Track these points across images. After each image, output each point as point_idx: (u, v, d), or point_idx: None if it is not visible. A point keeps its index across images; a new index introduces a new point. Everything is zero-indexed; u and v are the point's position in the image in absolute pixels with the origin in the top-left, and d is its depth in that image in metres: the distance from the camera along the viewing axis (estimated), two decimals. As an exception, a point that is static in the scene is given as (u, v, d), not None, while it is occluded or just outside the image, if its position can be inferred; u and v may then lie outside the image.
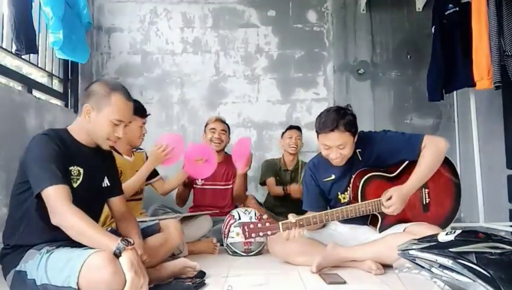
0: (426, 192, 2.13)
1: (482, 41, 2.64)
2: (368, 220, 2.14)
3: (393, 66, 3.90)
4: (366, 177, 2.07)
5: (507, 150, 3.19)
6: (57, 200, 1.46)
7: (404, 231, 1.96)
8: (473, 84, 2.78)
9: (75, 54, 3.06)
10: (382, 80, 3.90)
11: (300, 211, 2.14)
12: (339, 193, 2.17)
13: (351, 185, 2.11)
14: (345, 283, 1.76)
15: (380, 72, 3.91)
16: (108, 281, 1.36)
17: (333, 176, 2.17)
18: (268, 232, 1.90)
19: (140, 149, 2.66)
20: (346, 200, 2.14)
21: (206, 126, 3.14)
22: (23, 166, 1.57)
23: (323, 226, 2.22)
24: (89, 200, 1.66)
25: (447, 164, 2.14)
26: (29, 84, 2.91)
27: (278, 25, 3.96)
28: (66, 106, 3.51)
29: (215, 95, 3.92)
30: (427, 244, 1.35)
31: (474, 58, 2.70)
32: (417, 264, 1.32)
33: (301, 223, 1.92)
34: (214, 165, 2.73)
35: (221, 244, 2.57)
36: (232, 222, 2.49)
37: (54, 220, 1.47)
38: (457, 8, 3.03)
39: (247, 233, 1.87)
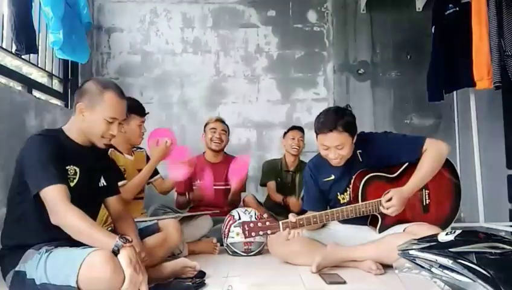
0: (426, 193, 2.13)
1: (482, 41, 2.64)
2: (368, 220, 2.14)
3: (393, 66, 3.90)
4: (366, 177, 2.06)
5: (507, 150, 3.19)
6: (56, 200, 1.47)
7: (404, 231, 1.96)
8: (473, 84, 2.78)
9: (75, 54, 3.06)
10: (382, 80, 3.90)
11: (300, 212, 2.14)
12: (339, 194, 2.17)
13: (351, 186, 2.10)
14: (345, 283, 1.76)
15: (380, 72, 3.91)
16: (108, 279, 1.36)
17: (333, 177, 2.17)
18: (269, 231, 1.90)
19: (141, 149, 2.66)
20: (345, 201, 2.14)
21: (205, 126, 3.14)
22: (20, 167, 1.58)
23: (323, 226, 2.22)
24: (86, 200, 1.65)
25: (447, 165, 2.14)
26: (29, 84, 2.91)
27: (278, 25, 3.96)
28: (66, 106, 3.51)
29: (215, 95, 3.92)
30: (427, 245, 1.35)
31: (474, 58, 2.70)
32: (417, 264, 1.32)
33: (301, 222, 1.92)
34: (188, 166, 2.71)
35: (221, 244, 2.57)
36: (232, 222, 2.49)
37: (54, 220, 1.48)
38: (457, 8, 3.02)
39: (247, 232, 1.87)
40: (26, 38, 2.59)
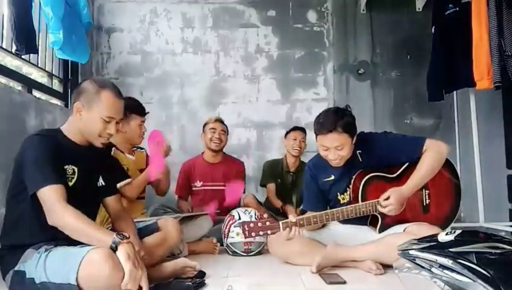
0: (426, 193, 2.13)
1: (482, 41, 2.64)
2: (368, 220, 2.14)
3: (393, 66, 3.90)
4: (366, 177, 2.06)
5: (507, 150, 3.19)
6: (52, 200, 1.48)
7: (404, 231, 1.96)
8: (473, 84, 2.78)
9: (75, 54, 3.06)
10: (382, 80, 3.90)
11: (298, 215, 2.13)
12: (339, 194, 2.17)
13: (351, 186, 2.10)
14: (345, 283, 1.76)
15: (380, 72, 3.91)
16: (108, 276, 1.36)
17: (333, 177, 2.16)
18: (269, 231, 1.90)
19: (141, 149, 2.66)
20: (345, 201, 2.14)
21: (204, 126, 3.14)
22: (18, 167, 1.58)
23: (323, 226, 2.22)
24: (84, 199, 1.66)
25: (447, 165, 2.14)
26: (29, 84, 2.91)
27: (278, 25, 3.96)
28: (66, 106, 3.50)
29: (215, 95, 3.92)
30: (427, 245, 1.35)
31: (474, 58, 2.70)
32: (417, 264, 1.32)
33: (301, 222, 1.92)
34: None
35: (221, 244, 2.57)
36: (232, 222, 2.49)
37: (50, 220, 1.48)
38: (457, 8, 3.02)
39: (247, 232, 1.87)
40: (26, 38, 2.59)
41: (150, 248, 1.85)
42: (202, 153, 3.19)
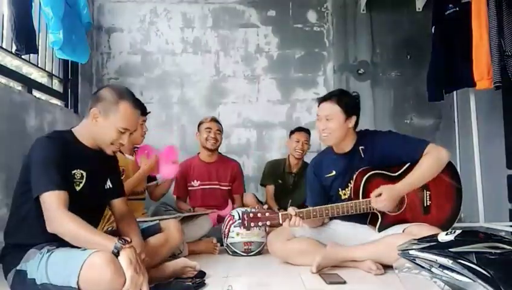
0: (428, 194, 2.13)
1: (482, 41, 2.64)
2: (368, 219, 2.14)
3: (393, 66, 3.90)
4: (368, 175, 2.07)
5: (507, 150, 3.19)
6: (52, 207, 1.47)
7: (403, 231, 1.96)
8: (473, 84, 2.77)
9: (75, 54, 3.05)
10: (382, 80, 3.90)
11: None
12: (340, 189, 2.18)
13: (353, 182, 2.11)
14: (345, 283, 1.76)
15: (380, 72, 3.91)
16: (109, 281, 1.36)
17: (334, 172, 2.18)
18: (268, 223, 1.92)
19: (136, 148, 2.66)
20: (347, 197, 2.15)
21: (200, 125, 3.15)
22: (26, 167, 1.58)
23: (323, 224, 2.23)
24: (92, 203, 1.67)
25: (450, 169, 2.14)
26: (29, 84, 2.91)
27: (278, 25, 3.96)
28: (66, 106, 3.51)
29: (215, 95, 3.92)
30: (427, 245, 1.35)
31: (474, 58, 2.69)
32: (417, 264, 1.32)
33: (301, 215, 1.94)
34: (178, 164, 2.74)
35: (221, 244, 2.57)
36: (232, 222, 2.49)
37: (50, 227, 1.48)
38: (457, 8, 3.02)
39: (246, 222, 1.89)
40: (26, 38, 2.59)
41: (152, 249, 1.85)
42: (198, 153, 3.20)
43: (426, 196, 2.13)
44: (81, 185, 1.62)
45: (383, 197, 1.94)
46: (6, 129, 2.36)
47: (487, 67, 2.60)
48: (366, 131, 2.20)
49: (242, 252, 2.45)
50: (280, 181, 3.38)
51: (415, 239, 1.45)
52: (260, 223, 1.91)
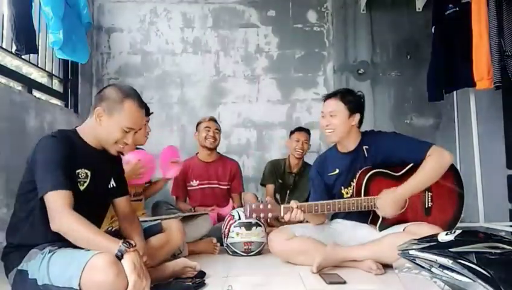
0: (429, 196, 2.13)
1: (482, 41, 2.64)
2: (369, 218, 2.14)
3: (393, 66, 3.90)
4: (370, 173, 2.08)
5: (507, 150, 3.19)
6: (56, 206, 1.46)
7: (403, 230, 1.96)
8: (473, 84, 2.77)
9: (75, 54, 3.06)
10: (382, 80, 3.90)
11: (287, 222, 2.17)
12: (343, 188, 2.19)
13: (355, 181, 2.12)
14: (345, 283, 1.76)
15: (380, 72, 3.91)
16: (111, 283, 1.35)
17: (337, 171, 2.20)
18: (270, 214, 1.94)
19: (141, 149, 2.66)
20: (349, 195, 2.16)
21: (198, 125, 3.16)
22: (30, 167, 1.57)
23: (323, 224, 2.23)
24: (95, 202, 1.66)
25: (453, 173, 2.15)
26: (29, 84, 2.91)
27: (278, 25, 3.96)
28: (66, 106, 3.51)
29: (215, 95, 3.93)
30: (427, 245, 1.35)
31: (474, 58, 2.70)
32: (417, 264, 1.32)
33: (303, 209, 1.96)
34: (181, 165, 2.77)
35: (221, 244, 2.57)
36: (232, 222, 2.49)
37: (53, 226, 1.47)
38: (457, 8, 3.02)
39: (248, 212, 1.92)
40: (26, 38, 2.59)
41: (153, 249, 1.84)
42: (196, 153, 3.20)
43: (428, 198, 2.13)
44: (86, 184, 1.62)
45: (387, 204, 1.96)
46: (6, 129, 2.36)
47: (487, 67, 2.60)
48: (371, 131, 2.24)
49: (242, 252, 2.45)
50: (280, 181, 3.39)
51: (415, 239, 1.45)
52: (262, 215, 1.94)
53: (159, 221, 2.07)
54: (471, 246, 1.26)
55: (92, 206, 1.54)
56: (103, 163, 1.71)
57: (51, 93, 3.31)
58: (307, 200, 2.32)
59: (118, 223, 1.88)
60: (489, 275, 1.15)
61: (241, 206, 3.03)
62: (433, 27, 3.21)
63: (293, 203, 1.97)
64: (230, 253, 2.50)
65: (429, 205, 2.13)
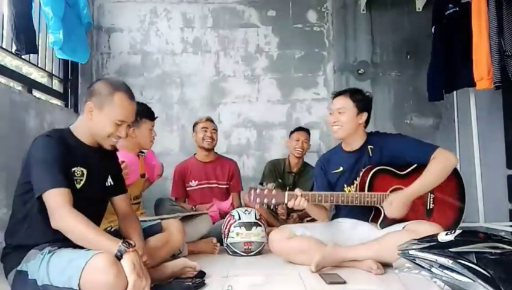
0: (431, 197, 2.14)
1: (482, 41, 2.64)
2: (370, 217, 2.14)
3: (393, 66, 3.90)
4: (375, 170, 2.09)
5: (507, 150, 3.20)
6: (57, 204, 1.46)
7: (403, 228, 1.96)
8: (473, 84, 2.78)
9: (75, 54, 3.06)
10: (382, 80, 3.90)
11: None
12: (345, 186, 2.20)
13: (359, 179, 2.13)
14: (345, 283, 1.76)
15: (380, 72, 3.91)
16: (111, 283, 1.35)
17: (341, 168, 2.22)
18: (273, 200, 1.96)
19: (142, 152, 2.66)
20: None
21: (195, 126, 3.16)
22: (26, 167, 1.57)
23: (325, 221, 2.25)
24: (93, 200, 1.66)
25: (456, 177, 2.16)
26: (29, 84, 2.91)
27: (278, 25, 3.96)
28: (66, 106, 3.51)
29: (215, 95, 3.92)
30: (427, 244, 1.35)
31: (474, 58, 2.70)
32: (417, 264, 1.32)
33: (306, 197, 1.98)
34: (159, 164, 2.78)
35: (221, 244, 2.57)
36: (232, 222, 2.49)
37: (54, 224, 1.47)
38: (457, 8, 3.02)
39: (252, 197, 1.94)
40: (26, 38, 2.59)
41: (153, 249, 1.84)
42: (194, 154, 3.21)
43: (430, 199, 2.14)
44: (82, 182, 1.61)
45: (396, 205, 1.98)
46: (6, 129, 2.36)
47: (487, 67, 2.61)
48: (377, 132, 2.27)
49: (242, 252, 2.45)
50: (280, 180, 3.39)
51: (415, 239, 1.45)
52: (266, 200, 1.96)
53: (158, 221, 2.06)
54: (471, 246, 1.26)
55: (89, 205, 1.54)
56: (99, 161, 1.70)
57: (51, 93, 3.31)
58: None
59: (118, 222, 1.87)
60: (489, 275, 1.15)
61: (241, 205, 3.04)
62: (433, 27, 3.21)
63: (298, 191, 1.99)
64: (230, 253, 2.50)
65: (431, 207, 2.14)
